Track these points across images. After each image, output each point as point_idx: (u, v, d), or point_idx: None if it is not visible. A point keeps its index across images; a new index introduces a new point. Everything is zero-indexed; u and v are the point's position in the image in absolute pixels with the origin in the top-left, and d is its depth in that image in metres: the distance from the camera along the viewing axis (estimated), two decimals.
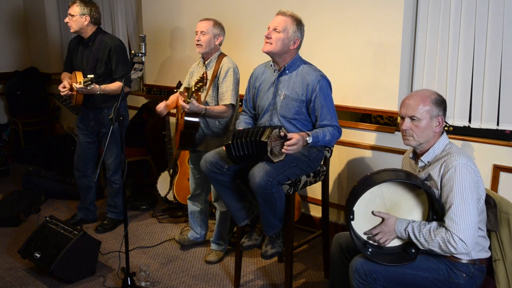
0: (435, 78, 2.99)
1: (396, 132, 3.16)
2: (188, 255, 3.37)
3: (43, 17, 5.62)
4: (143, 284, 2.94)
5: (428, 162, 2.11)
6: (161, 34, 4.48)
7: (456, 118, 2.95)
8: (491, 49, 2.77)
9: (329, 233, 3.05)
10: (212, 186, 3.19)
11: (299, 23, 2.64)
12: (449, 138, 2.15)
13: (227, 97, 3.04)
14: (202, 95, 3.09)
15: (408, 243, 2.06)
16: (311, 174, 2.76)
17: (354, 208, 2.04)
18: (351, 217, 2.06)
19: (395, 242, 2.09)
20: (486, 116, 2.84)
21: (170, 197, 4.02)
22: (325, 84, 2.62)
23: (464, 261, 2.01)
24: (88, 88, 3.22)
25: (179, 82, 3.90)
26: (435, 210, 2.01)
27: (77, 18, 3.40)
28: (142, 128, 4.57)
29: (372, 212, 2.07)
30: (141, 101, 4.82)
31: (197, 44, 3.09)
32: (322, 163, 2.86)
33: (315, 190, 3.59)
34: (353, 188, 2.09)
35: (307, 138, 2.50)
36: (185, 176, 3.81)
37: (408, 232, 2.00)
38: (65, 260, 2.92)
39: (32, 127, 5.77)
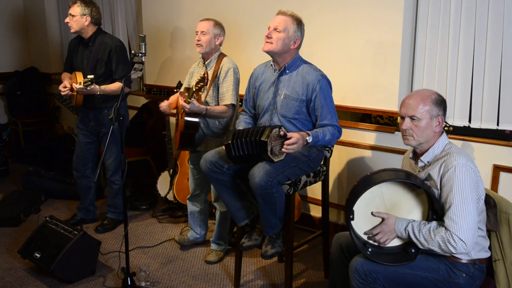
0: (435, 78, 2.99)
1: (396, 132, 3.16)
2: (188, 255, 3.37)
3: (43, 17, 5.62)
4: (143, 284, 2.94)
5: (428, 162, 2.11)
6: (161, 34, 4.48)
7: (456, 118, 2.95)
8: (491, 49, 2.77)
9: (329, 233, 3.05)
10: (212, 186, 3.19)
11: (299, 23, 2.64)
12: (449, 138, 2.15)
13: (228, 97, 3.04)
14: (203, 95, 3.09)
15: (408, 243, 2.06)
16: (311, 174, 2.76)
17: (354, 208, 2.04)
18: (351, 216, 2.06)
19: (395, 242, 2.09)
20: (486, 116, 2.84)
21: (170, 197, 4.02)
22: (326, 83, 2.62)
23: (464, 261, 2.01)
24: (88, 88, 3.22)
25: (179, 82, 3.91)
26: (435, 210, 2.01)
27: (78, 19, 3.40)
28: (142, 128, 4.57)
29: (372, 213, 2.07)
30: (141, 101, 4.82)
31: (197, 44, 3.09)
32: (322, 163, 2.86)
33: (315, 190, 3.59)
34: (353, 188, 2.10)
35: (307, 138, 2.50)
36: (185, 176, 3.81)
37: (408, 231, 2.00)
38: (65, 260, 2.92)
39: (32, 127, 5.78)
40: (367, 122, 3.34)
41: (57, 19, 5.66)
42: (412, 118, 2.07)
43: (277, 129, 2.44)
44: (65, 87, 3.44)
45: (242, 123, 2.81)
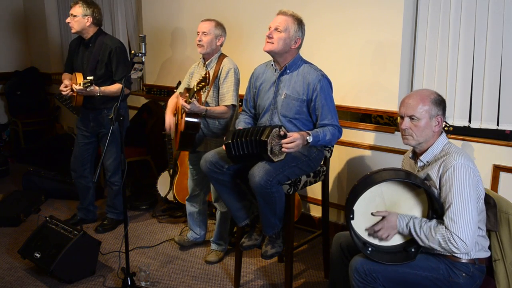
0: (435, 78, 2.99)
1: (396, 132, 3.16)
2: (188, 255, 3.37)
3: (43, 17, 5.62)
4: (143, 284, 2.94)
5: (427, 162, 2.11)
6: (161, 34, 4.48)
7: (456, 118, 2.95)
8: (491, 49, 2.77)
9: (329, 233, 3.05)
10: (212, 186, 3.19)
11: (300, 23, 2.64)
12: (449, 138, 2.16)
13: (228, 98, 3.04)
14: (203, 96, 3.08)
15: (408, 243, 2.07)
16: (311, 174, 2.76)
17: (354, 208, 2.05)
18: (351, 216, 2.06)
19: (396, 241, 2.09)
20: (486, 116, 2.84)
21: (170, 197, 4.02)
22: (326, 83, 2.62)
23: (464, 261, 2.01)
24: (87, 90, 3.22)
25: (179, 82, 3.91)
26: (435, 210, 2.01)
27: (79, 19, 3.40)
28: (142, 128, 4.57)
29: (372, 214, 2.07)
30: (141, 101, 4.82)
31: (198, 45, 3.09)
32: (322, 163, 2.86)
33: (315, 190, 3.59)
34: (353, 188, 2.10)
35: (308, 138, 2.50)
36: (185, 176, 3.81)
37: (409, 227, 2.00)
38: (65, 260, 2.92)
39: (32, 127, 5.78)
40: (367, 122, 3.34)
41: (57, 19, 5.66)
42: (411, 117, 2.07)
43: (277, 129, 2.44)
44: (66, 86, 3.44)
45: (242, 123, 2.81)
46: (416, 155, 2.18)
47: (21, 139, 5.67)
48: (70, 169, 3.74)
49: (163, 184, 4.09)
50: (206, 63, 3.15)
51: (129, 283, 2.81)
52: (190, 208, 3.41)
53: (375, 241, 2.09)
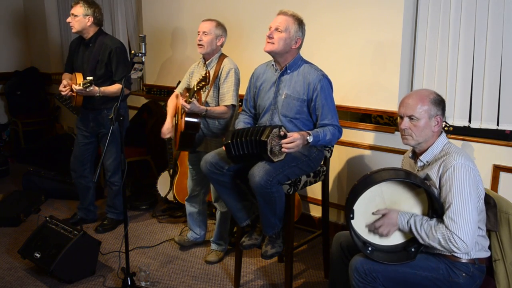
0: (435, 78, 2.99)
1: (396, 132, 3.16)
2: (188, 255, 3.37)
3: (43, 17, 5.62)
4: (143, 284, 2.94)
5: (427, 161, 2.11)
6: (161, 34, 4.48)
7: (456, 118, 2.95)
8: (491, 49, 2.77)
9: (329, 233, 3.05)
10: (212, 186, 3.19)
11: (300, 23, 2.64)
12: (449, 138, 2.16)
13: (228, 98, 3.03)
14: (203, 96, 3.08)
15: (408, 242, 2.07)
16: (311, 174, 2.76)
17: (354, 207, 2.05)
18: (351, 216, 2.06)
19: (396, 241, 2.09)
20: (486, 116, 2.84)
21: (170, 197, 4.02)
22: (326, 83, 2.63)
23: (464, 261, 2.01)
24: (87, 90, 3.22)
25: (179, 82, 3.90)
26: (435, 209, 2.01)
27: (80, 19, 3.40)
28: (142, 128, 4.57)
29: (373, 214, 2.07)
30: (141, 101, 4.82)
31: (198, 44, 3.09)
32: (322, 163, 2.86)
33: (315, 190, 3.59)
34: (353, 187, 2.10)
35: (308, 138, 2.50)
36: (185, 176, 3.80)
37: (410, 224, 2.00)
38: (65, 260, 2.91)
39: (32, 127, 5.78)
40: (367, 122, 3.34)
41: (57, 19, 5.66)
42: (410, 117, 2.08)
43: (277, 129, 2.44)
44: (65, 86, 3.44)
45: (241, 123, 2.81)
46: (416, 155, 2.18)
47: (21, 139, 5.67)
48: (70, 169, 3.74)
49: (163, 184, 4.09)
50: (207, 63, 3.15)
51: (129, 283, 2.81)
52: (189, 208, 3.41)
53: (375, 241, 2.09)
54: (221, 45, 3.15)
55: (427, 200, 2.04)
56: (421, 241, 1.99)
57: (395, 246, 2.09)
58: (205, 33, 3.07)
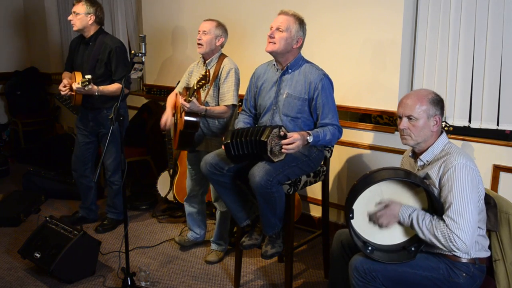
0: (435, 78, 2.99)
1: (396, 132, 3.16)
2: (188, 255, 3.37)
3: (43, 17, 5.62)
4: (143, 284, 2.94)
5: (427, 161, 2.11)
6: (161, 34, 4.48)
7: (456, 118, 2.95)
8: (491, 49, 2.77)
9: (329, 233, 3.05)
10: (212, 186, 3.19)
11: (301, 22, 2.65)
12: (449, 138, 2.15)
13: (229, 98, 3.03)
14: (203, 95, 3.08)
15: (408, 242, 2.06)
16: (311, 174, 2.76)
17: (354, 207, 2.05)
18: (350, 215, 2.06)
19: (396, 240, 2.08)
20: (486, 116, 2.84)
21: (170, 197, 4.02)
22: (327, 83, 2.63)
23: (464, 261, 2.01)
24: (85, 88, 3.21)
25: (179, 81, 3.90)
26: (434, 208, 2.01)
27: (82, 17, 3.40)
28: (142, 128, 4.57)
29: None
30: (141, 101, 4.82)
31: (198, 44, 3.09)
32: (322, 163, 2.86)
33: (315, 190, 3.59)
34: (352, 187, 2.10)
35: (308, 138, 2.51)
36: (185, 176, 3.80)
37: (412, 218, 1.99)
38: (65, 260, 2.91)
39: (32, 127, 5.77)
40: (367, 122, 3.34)
41: (57, 19, 5.66)
42: (409, 117, 2.08)
43: (277, 129, 2.44)
44: (64, 86, 3.44)
45: (241, 123, 2.81)
46: (416, 155, 2.18)
47: (21, 139, 5.67)
48: (72, 169, 3.74)
49: (163, 184, 4.09)
50: (206, 62, 3.15)
51: (129, 283, 2.81)
52: (189, 208, 3.41)
53: (375, 240, 2.09)
54: (221, 45, 3.15)
55: (426, 199, 2.04)
56: (421, 235, 1.98)
57: (395, 246, 2.09)
58: (205, 32, 3.07)
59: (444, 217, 1.95)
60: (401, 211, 2.02)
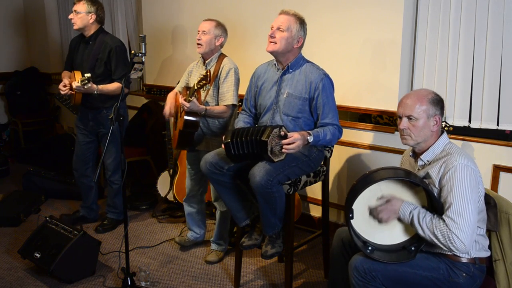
0: (435, 78, 2.99)
1: (396, 132, 3.16)
2: (188, 255, 3.37)
3: (43, 17, 5.62)
4: (143, 284, 2.94)
5: (428, 161, 2.11)
6: (161, 34, 4.48)
7: (456, 118, 2.95)
8: (491, 49, 2.77)
9: (329, 233, 3.05)
10: (212, 186, 3.19)
11: (302, 22, 2.65)
12: (449, 138, 2.15)
13: (228, 97, 3.03)
14: (202, 95, 3.08)
15: (408, 241, 2.06)
16: (311, 174, 2.76)
17: (354, 207, 2.05)
18: (350, 215, 2.06)
19: (396, 239, 2.08)
20: (486, 116, 2.84)
21: (170, 197, 4.02)
22: (328, 83, 2.63)
23: (464, 261, 2.01)
24: (85, 87, 3.21)
25: (179, 81, 3.90)
26: (434, 208, 2.01)
27: (83, 16, 3.40)
28: (142, 128, 4.57)
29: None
30: (141, 101, 4.82)
31: (197, 43, 3.09)
32: (322, 163, 2.86)
33: (315, 190, 3.59)
34: (352, 187, 2.10)
35: (308, 137, 2.51)
36: (185, 176, 3.80)
37: (412, 214, 1.99)
38: (65, 260, 2.91)
39: (32, 127, 5.77)
40: (367, 122, 3.34)
41: (57, 19, 5.66)
42: (409, 117, 2.08)
43: (277, 129, 2.44)
44: (64, 85, 3.44)
45: (241, 122, 2.81)
46: (416, 154, 2.18)
47: (21, 139, 5.67)
48: (73, 168, 3.74)
49: (163, 184, 4.09)
50: (206, 62, 3.15)
51: (129, 283, 2.81)
52: (188, 208, 3.41)
53: (375, 240, 2.09)
54: (220, 45, 3.15)
55: (426, 199, 2.04)
56: (421, 233, 1.98)
57: (395, 246, 2.09)
58: (204, 32, 3.07)
59: (444, 217, 1.95)
60: (402, 207, 2.02)
